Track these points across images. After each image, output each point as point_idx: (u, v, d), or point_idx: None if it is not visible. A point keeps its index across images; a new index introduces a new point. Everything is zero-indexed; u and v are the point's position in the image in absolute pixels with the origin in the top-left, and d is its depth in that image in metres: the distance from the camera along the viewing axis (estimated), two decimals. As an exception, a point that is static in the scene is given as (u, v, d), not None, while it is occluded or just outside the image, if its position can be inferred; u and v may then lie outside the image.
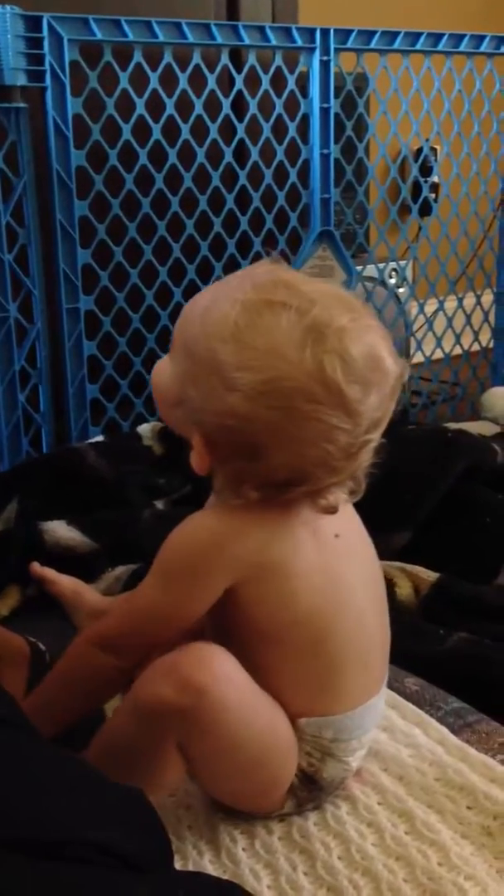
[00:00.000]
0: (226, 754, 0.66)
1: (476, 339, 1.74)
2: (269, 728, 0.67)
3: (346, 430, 0.59)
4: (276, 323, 0.58)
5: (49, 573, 0.98)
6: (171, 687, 0.63)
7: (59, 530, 1.05)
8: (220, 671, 0.64)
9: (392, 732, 0.78)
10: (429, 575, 1.02)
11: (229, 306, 0.60)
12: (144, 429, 1.31)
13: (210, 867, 0.67)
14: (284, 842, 0.69)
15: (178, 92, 1.32)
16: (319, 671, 0.67)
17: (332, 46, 1.41)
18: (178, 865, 0.65)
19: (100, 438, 1.29)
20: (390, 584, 0.98)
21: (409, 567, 1.03)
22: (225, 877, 0.65)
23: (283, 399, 0.58)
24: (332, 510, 0.65)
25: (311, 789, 0.70)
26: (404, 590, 1.01)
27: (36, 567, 0.99)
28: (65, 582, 0.97)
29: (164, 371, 0.67)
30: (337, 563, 0.67)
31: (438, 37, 1.52)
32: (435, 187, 1.68)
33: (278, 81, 1.40)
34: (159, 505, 1.18)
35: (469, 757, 0.74)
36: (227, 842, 0.69)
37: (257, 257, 1.45)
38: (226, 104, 1.37)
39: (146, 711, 0.64)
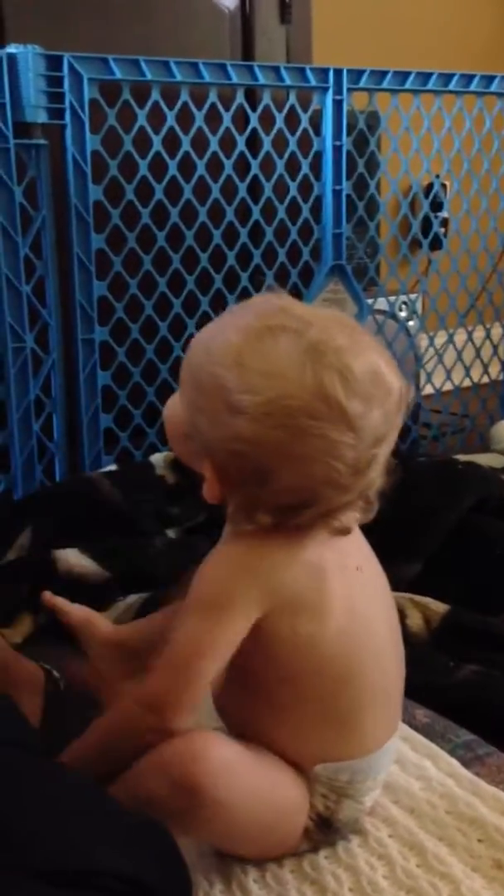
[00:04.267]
0: (232, 833, 0.65)
1: (486, 371, 1.75)
2: (275, 793, 0.66)
3: (351, 446, 0.60)
4: (275, 345, 0.60)
5: (60, 602, 0.97)
6: (163, 785, 0.62)
7: (72, 558, 1.06)
8: (218, 764, 0.62)
9: (403, 765, 0.78)
10: (438, 606, 1.02)
11: (232, 334, 0.62)
12: (157, 458, 1.32)
13: (222, 898, 0.67)
14: (296, 874, 0.69)
15: (194, 129, 1.35)
16: (340, 713, 0.66)
17: (345, 86, 1.45)
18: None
19: (113, 467, 1.31)
20: (401, 616, 0.98)
21: (418, 598, 1.04)
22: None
23: (286, 418, 0.59)
24: (345, 531, 0.65)
25: (327, 833, 0.69)
26: (414, 621, 1.02)
27: (47, 596, 0.98)
28: (76, 612, 0.96)
29: (174, 405, 0.68)
30: (360, 598, 0.67)
31: (449, 77, 1.55)
32: (445, 222, 1.70)
33: (292, 120, 1.43)
34: (171, 534, 1.19)
35: (480, 790, 0.74)
36: (239, 873, 0.69)
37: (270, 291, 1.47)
38: (240, 141, 1.40)
39: (143, 805, 0.62)
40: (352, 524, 0.65)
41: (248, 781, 0.64)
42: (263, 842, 0.68)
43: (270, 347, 0.60)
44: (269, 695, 0.65)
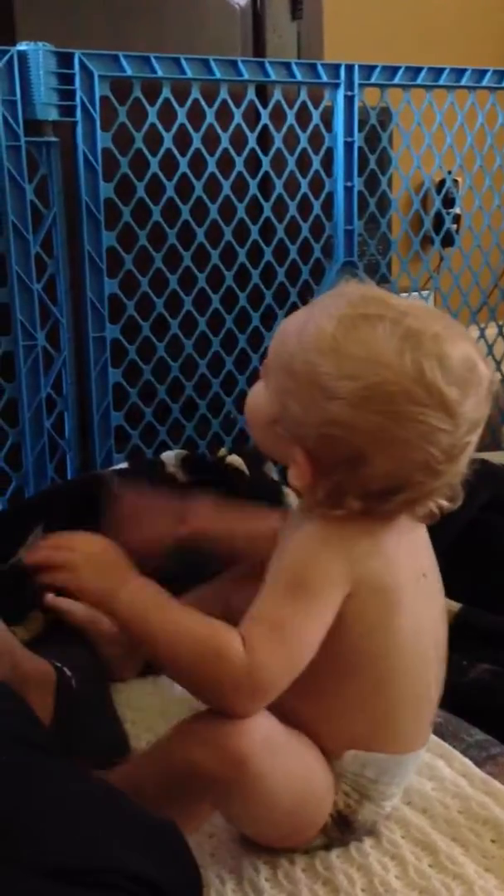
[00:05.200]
0: (262, 811, 0.66)
1: (498, 368, 1.74)
2: (307, 777, 0.66)
3: (448, 432, 0.61)
4: (372, 333, 0.61)
5: (64, 604, 0.96)
6: (209, 756, 0.62)
7: (84, 556, 1.05)
8: (262, 738, 0.63)
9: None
10: (450, 605, 1.02)
11: (325, 321, 0.62)
12: (168, 456, 1.32)
13: (233, 897, 0.67)
14: (308, 873, 0.69)
15: (205, 126, 1.34)
16: (378, 710, 0.67)
17: (357, 82, 1.44)
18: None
19: (124, 465, 1.31)
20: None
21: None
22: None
23: (385, 403, 0.60)
24: (430, 518, 0.65)
25: (344, 831, 0.70)
26: (427, 620, 1.01)
27: (50, 598, 0.97)
28: (80, 611, 0.95)
29: (258, 393, 0.68)
30: (421, 606, 0.67)
31: (461, 72, 1.54)
32: (457, 219, 1.69)
33: (303, 116, 1.43)
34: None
35: (493, 789, 0.74)
36: (250, 871, 0.69)
37: (281, 287, 1.46)
38: (252, 138, 1.39)
39: (179, 775, 0.63)
40: (435, 512, 0.65)
41: (286, 761, 0.65)
42: (286, 826, 0.68)
43: (368, 334, 0.61)
44: (313, 679, 0.64)
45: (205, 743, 0.63)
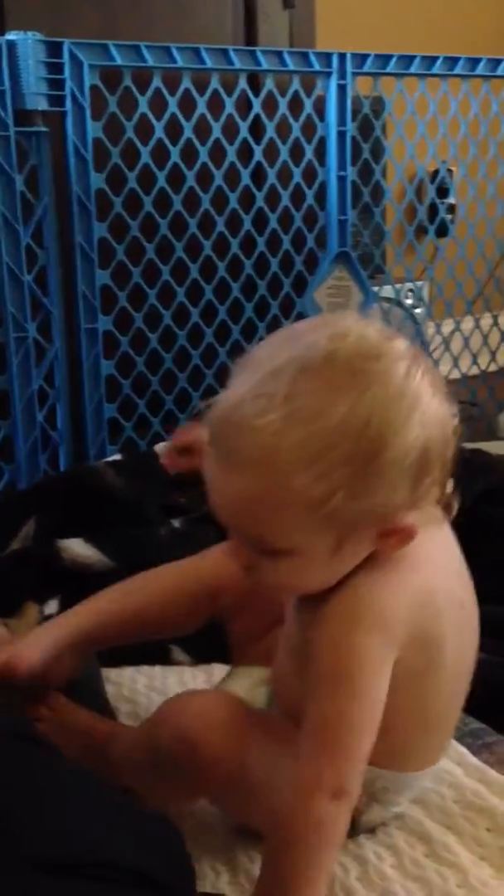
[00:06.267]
0: (241, 801, 0.65)
1: (493, 359, 1.74)
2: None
3: None
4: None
5: None
6: (169, 737, 0.63)
7: (76, 548, 1.05)
8: (219, 724, 0.63)
9: (410, 753, 0.78)
10: (446, 595, 1.01)
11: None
12: (161, 447, 1.31)
13: (227, 888, 0.66)
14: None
15: (196, 116, 1.34)
16: (395, 737, 0.63)
17: (349, 71, 1.43)
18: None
19: (117, 457, 1.30)
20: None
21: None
22: (242, 897, 0.65)
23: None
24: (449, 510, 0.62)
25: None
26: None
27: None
28: None
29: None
30: (458, 640, 0.64)
31: (455, 60, 1.53)
32: (451, 208, 1.69)
33: (296, 105, 1.42)
34: (176, 523, 1.18)
35: (488, 778, 0.73)
36: (245, 862, 0.68)
37: (274, 278, 1.46)
38: (243, 128, 1.39)
39: (157, 754, 0.64)
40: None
41: (260, 749, 0.63)
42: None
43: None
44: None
45: (168, 724, 0.64)
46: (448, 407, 0.58)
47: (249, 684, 0.73)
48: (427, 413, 0.56)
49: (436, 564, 0.63)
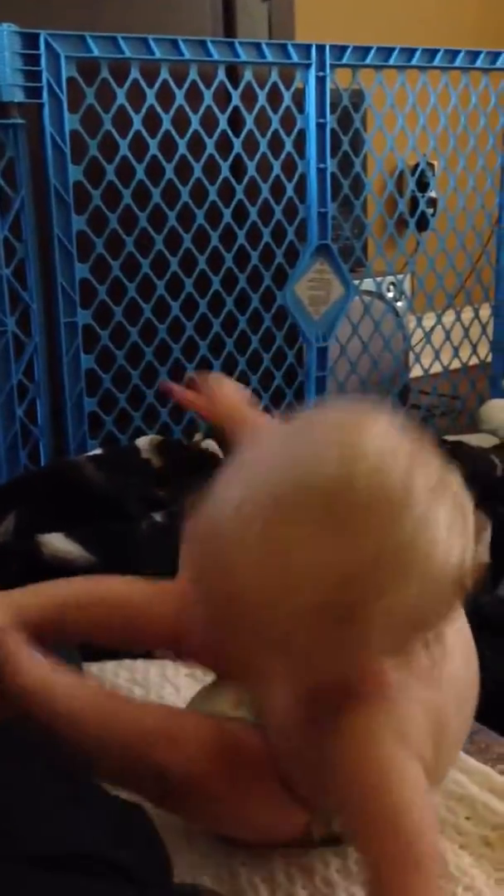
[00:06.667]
0: (218, 818, 0.64)
1: (474, 352, 1.74)
2: (271, 791, 0.63)
3: None
4: None
5: None
6: (144, 754, 0.61)
7: (57, 543, 1.05)
8: (188, 745, 0.61)
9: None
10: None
11: None
12: (142, 441, 1.31)
13: (208, 881, 0.66)
14: (283, 856, 0.68)
15: (174, 108, 1.33)
16: None
17: (328, 62, 1.42)
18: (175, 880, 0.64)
19: (98, 451, 1.29)
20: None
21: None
22: (223, 890, 0.64)
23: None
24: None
25: (330, 844, 0.68)
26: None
27: None
28: None
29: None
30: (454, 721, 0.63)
31: (434, 52, 1.53)
32: (432, 202, 1.69)
33: (274, 97, 1.41)
34: (157, 517, 1.18)
35: (468, 767, 0.73)
36: (225, 857, 0.68)
37: (254, 271, 1.45)
38: (222, 120, 1.38)
39: (142, 768, 0.62)
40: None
41: (234, 771, 0.62)
42: (257, 833, 0.66)
43: None
44: (334, 718, 0.57)
45: (143, 742, 0.61)
46: (461, 548, 0.52)
47: (236, 700, 0.71)
48: (431, 567, 0.50)
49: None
